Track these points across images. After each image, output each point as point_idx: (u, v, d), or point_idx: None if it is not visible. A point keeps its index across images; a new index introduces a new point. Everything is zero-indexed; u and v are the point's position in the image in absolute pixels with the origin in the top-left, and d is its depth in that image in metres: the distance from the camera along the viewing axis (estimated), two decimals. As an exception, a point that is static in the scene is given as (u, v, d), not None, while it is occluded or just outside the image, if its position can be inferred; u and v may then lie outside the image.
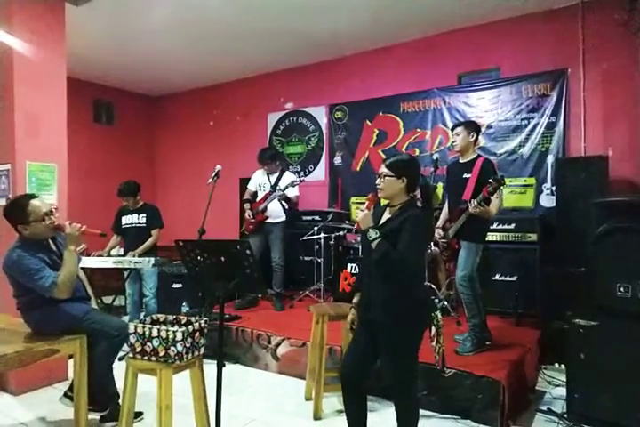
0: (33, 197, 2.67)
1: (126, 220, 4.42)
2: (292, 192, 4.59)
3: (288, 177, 4.66)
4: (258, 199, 4.67)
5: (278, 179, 4.66)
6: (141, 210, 4.42)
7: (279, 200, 4.54)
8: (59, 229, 2.65)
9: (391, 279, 2.05)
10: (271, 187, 4.61)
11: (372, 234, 2.04)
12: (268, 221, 4.58)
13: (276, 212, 4.58)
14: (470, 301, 3.21)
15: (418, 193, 4.23)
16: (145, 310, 4.40)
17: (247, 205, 4.66)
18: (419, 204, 3.69)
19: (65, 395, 2.85)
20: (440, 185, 4.67)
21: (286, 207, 4.61)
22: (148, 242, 4.31)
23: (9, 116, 3.34)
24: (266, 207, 4.54)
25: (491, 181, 2.95)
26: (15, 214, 2.58)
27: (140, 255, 4.17)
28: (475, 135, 3.34)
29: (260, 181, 4.73)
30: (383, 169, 2.14)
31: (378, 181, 2.17)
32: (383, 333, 2.09)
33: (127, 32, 4.95)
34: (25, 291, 2.58)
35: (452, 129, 3.52)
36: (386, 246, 2.00)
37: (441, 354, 2.77)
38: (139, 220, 4.39)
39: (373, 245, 2.03)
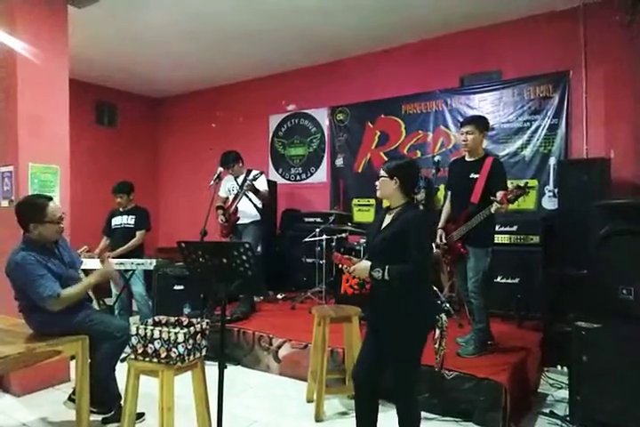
0: (50, 198, 2.70)
1: (116, 221, 4.47)
2: (260, 186, 4.43)
3: (253, 174, 4.49)
4: (228, 203, 4.56)
5: (245, 179, 4.49)
6: (131, 211, 4.48)
7: (249, 199, 4.41)
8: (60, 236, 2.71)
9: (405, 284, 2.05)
10: (239, 188, 4.49)
11: (377, 274, 2.05)
12: (240, 222, 4.46)
13: (247, 211, 4.46)
14: (481, 306, 3.18)
15: (421, 196, 4.20)
16: (139, 313, 4.41)
17: (220, 211, 4.50)
18: (421, 207, 3.63)
19: (69, 398, 2.86)
20: (442, 187, 4.66)
21: (259, 206, 4.48)
22: (129, 243, 4.32)
23: (12, 118, 3.35)
24: (236, 207, 4.43)
25: (512, 188, 2.86)
26: (32, 212, 2.59)
27: (121, 257, 4.15)
28: (485, 133, 3.23)
29: (228, 185, 4.62)
30: (380, 171, 2.24)
31: (377, 182, 2.26)
32: (387, 335, 2.11)
33: (130, 34, 4.96)
34: (26, 293, 2.58)
35: (462, 126, 3.30)
36: (396, 269, 2.02)
37: (442, 356, 2.76)
38: (127, 221, 4.43)
39: (386, 277, 2.03)
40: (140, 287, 4.35)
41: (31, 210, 2.60)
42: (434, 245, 3.45)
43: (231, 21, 4.66)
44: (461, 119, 4.77)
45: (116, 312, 4.31)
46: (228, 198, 4.62)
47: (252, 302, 4.57)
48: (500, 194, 2.96)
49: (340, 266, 2.23)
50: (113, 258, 4.13)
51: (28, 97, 3.38)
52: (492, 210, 2.96)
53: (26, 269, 2.47)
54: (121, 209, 4.49)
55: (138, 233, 4.40)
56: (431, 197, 4.45)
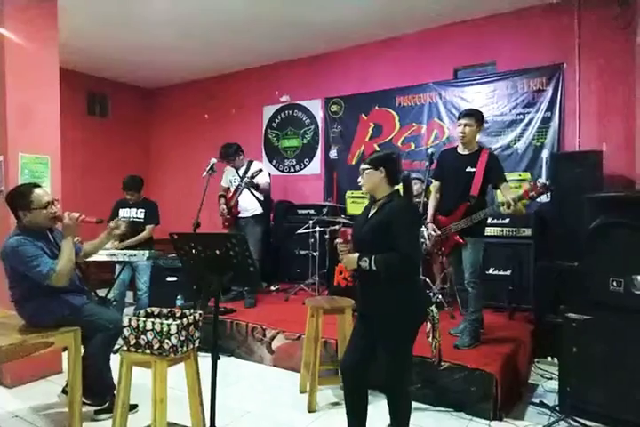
0: (37, 186, 2.71)
1: (124, 213, 4.38)
2: (262, 179, 4.47)
3: (255, 166, 4.53)
4: (230, 195, 4.58)
5: (246, 170, 4.53)
6: (140, 205, 4.40)
7: (251, 192, 4.45)
8: (58, 219, 2.68)
9: (391, 274, 2.05)
10: (240, 179, 4.51)
11: (364, 264, 2.06)
12: (241, 215, 4.48)
13: (248, 205, 4.48)
14: (479, 296, 3.21)
15: (417, 189, 4.20)
16: (136, 304, 4.38)
17: (222, 200, 4.56)
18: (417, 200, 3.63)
19: (63, 391, 2.85)
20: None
21: (260, 199, 4.50)
22: (139, 236, 4.28)
23: (1, 108, 3.30)
24: (237, 201, 4.46)
25: (536, 184, 2.87)
26: (18, 200, 2.62)
27: (129, 248, 4.12)
28: (482, 127, 3.26)
29: (230, 176, 4.64)
30: (362, 166, 2.23)
31: (359, 179, 2.25)
32: (378, 327, 2.11)
33: (122, 23, 4.89)
34: (19, 281, 2.57)
35: (460, 118, 3.29)
36: (383, 259, 2.02)
37: (438, 349, 2.78)
38: (137, 214, 4.37)
39: (373, 267, 2.04)
40: (145, 279, 4.30)
41: (17, 197, 2.63)
42: (426, 235, 3.44)
43: (225, 11, 4.60)
44: (455, 112, 4.78)
45: (112, 300, 4.25)
46: (229, 189, 4.65)
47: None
48: (507, 193, 3.03)
49: (340, 241, 2.23)
50: (120, 249, 4.11)
51: (16, 86, 3.32)
52: (504, 211, 2.99)
53: (21, 250, 2.48)
54: (130, 202, 4.40)
55: (147, 227, 4.36)
56: (409, 188, 4.43)
